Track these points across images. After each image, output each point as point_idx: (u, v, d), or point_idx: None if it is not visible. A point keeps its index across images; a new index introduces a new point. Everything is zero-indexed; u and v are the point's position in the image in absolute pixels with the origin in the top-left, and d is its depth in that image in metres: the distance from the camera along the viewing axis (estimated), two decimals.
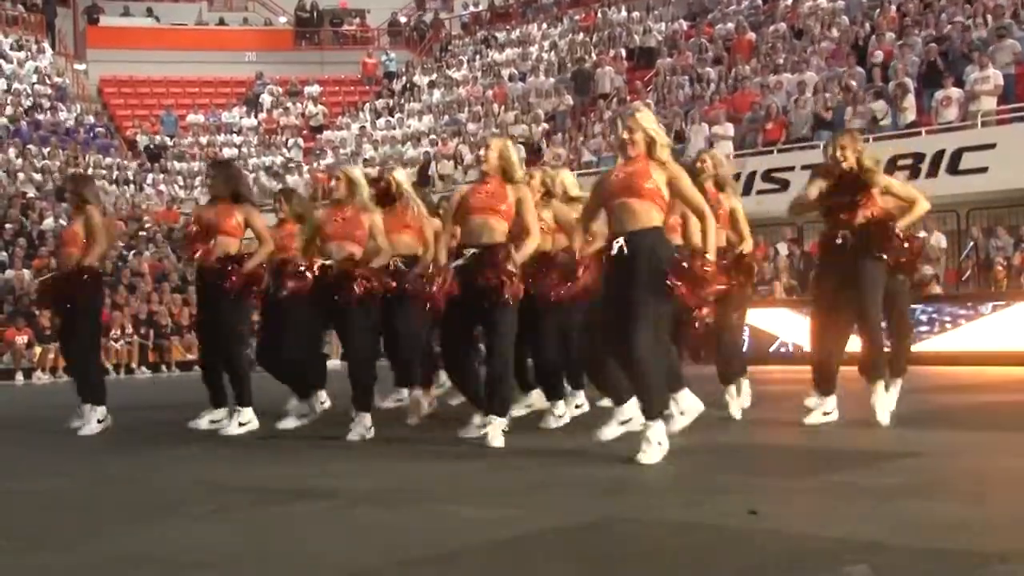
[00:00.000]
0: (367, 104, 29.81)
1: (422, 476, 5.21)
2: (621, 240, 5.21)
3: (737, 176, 18.06)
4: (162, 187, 26.46)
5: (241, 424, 7.03)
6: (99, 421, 7.33)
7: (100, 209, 7.64)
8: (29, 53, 29.73)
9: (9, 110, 26.40)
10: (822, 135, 18.08)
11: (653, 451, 5.07)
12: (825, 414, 6.60)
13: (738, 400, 7.08)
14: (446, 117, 26.64)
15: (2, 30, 29.93)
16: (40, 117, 26.92)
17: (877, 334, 6.45)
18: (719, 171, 6.88)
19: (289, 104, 30.91)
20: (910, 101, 17.38)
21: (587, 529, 3.77)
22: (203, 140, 29.23)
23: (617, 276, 5.25)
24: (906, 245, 6.50)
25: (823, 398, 6.64)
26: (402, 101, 29.00)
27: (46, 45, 30.80)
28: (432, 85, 29.03)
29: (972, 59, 17.19)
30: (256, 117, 30.42)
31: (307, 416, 7.43)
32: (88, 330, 7.55)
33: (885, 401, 6.48)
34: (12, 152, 24.44)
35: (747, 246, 6.99)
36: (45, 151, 25.18)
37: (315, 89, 31.39)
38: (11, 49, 29.32)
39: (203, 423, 7.31)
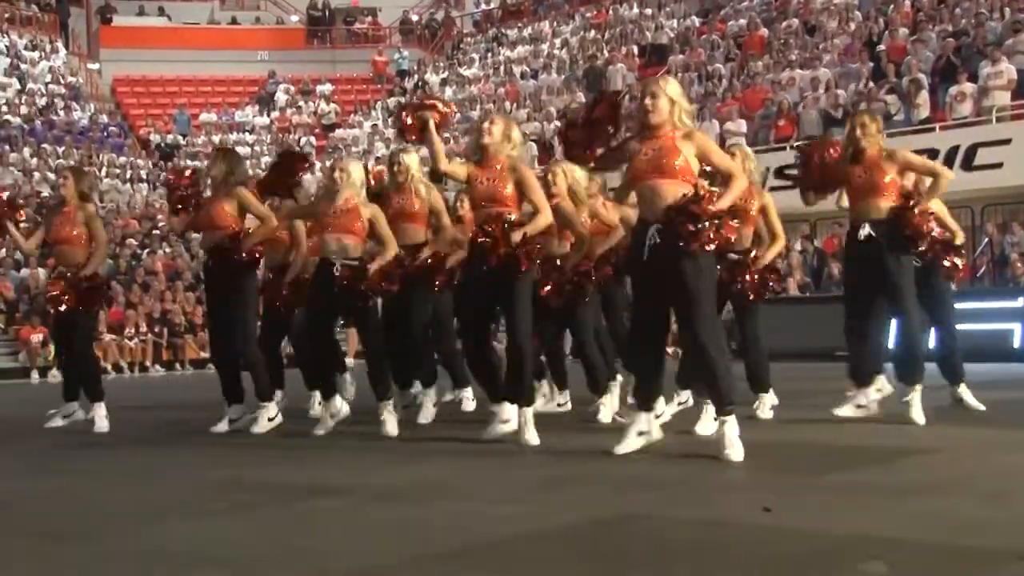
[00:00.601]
0: (379, 102, 29.86)
1: (437, 473, 5.22)
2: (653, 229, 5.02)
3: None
4: None
5: (270, 419, 6.99)
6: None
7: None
8: (43, 53, 29.87)
9: (24, 110, 26.53)
10: (834, 132, 18.05)
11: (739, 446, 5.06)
12: (858, 407, 6.56)
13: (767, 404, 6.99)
14: (458, 115, 26.64)
15: (16, 30, 30.06)
16: (54, 117, 27.05)
17: (916, 335, 6.38)
18: (747, 165, 6.43)
19: (301, 103, 30.98)
20: (924, 97, 17.29)
21: (602, 525, 3.77)
22: (216, 139, 29.26)
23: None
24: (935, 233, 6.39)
25: (858, 389, 6.59)
26: (414, 99, 28.99)
27: (60, 45, 30.94)
28: (444, 83, 29.04)
29: (987, 54, 17.10)
30: (269, 116, 30.49)
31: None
32: (87, 332, 7.58)
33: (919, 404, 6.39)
34: (27, 152, 24.56)
35: (780, 244, 6.82)
36: (59, 150, 25.29)
37: (327, 87, 31.44)
38: (25, 49, 29.47)
39: (223, 426, 7.11)
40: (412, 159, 7.21)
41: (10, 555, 3.63)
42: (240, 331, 7.01)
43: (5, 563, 3.50)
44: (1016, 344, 13.21)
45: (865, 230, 6.31)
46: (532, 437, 5.80)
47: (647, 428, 5.36)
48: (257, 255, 7.12)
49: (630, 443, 5.25)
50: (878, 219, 6.30)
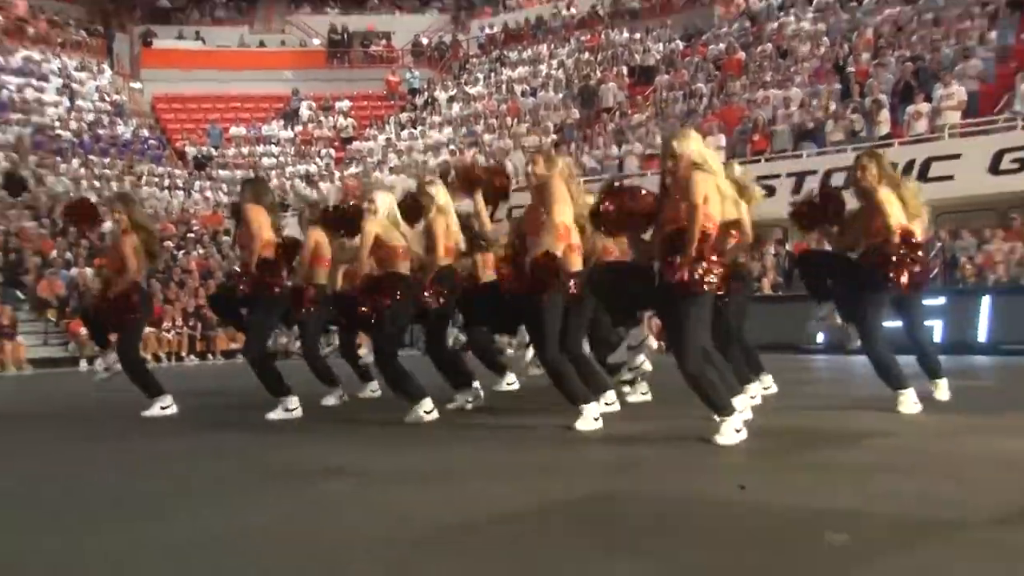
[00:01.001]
0: (392, 117, 29.81)
1: (445, 456, 5.20)
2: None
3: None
4: (208, 193, 26.53)
5: (287, 410, 6.99)
6: (163, 408, 7.36)
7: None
8: (91, 74, 29.89)
9: (74, 124, 26.53)
10: (804, 146, 18.07)
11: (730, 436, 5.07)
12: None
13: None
14: (464, 129, 26.64)
15: (67, 53, 30.08)
16: (100, 131, 27.03)
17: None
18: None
19: (322, 118, 30.95)
20: (884, 115, 17.34)
21: (596, 502, 3.79)
22: (244, 151, 29.30)
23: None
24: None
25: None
26: (424, 114, 29.01)
27: (106, 66, 30.94)
28: (451, 100, 29.02)
29: (940, 77, 17.18)
30: (292, 129, 30.46)
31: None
32: (124, 339, 7.38)
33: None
34: (76, 162, 24.55)
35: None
36: (105, 161, 25.30)
37: (345, 104, 31.41)
38: (75, 70, 29.50)
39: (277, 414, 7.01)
40: (439, 191, 7.00)
41: (37, 528, 3.65)
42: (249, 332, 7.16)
43: (33, 534, 3.51)
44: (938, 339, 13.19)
45: None
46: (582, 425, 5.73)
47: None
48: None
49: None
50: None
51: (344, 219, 7.27)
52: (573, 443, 5.37)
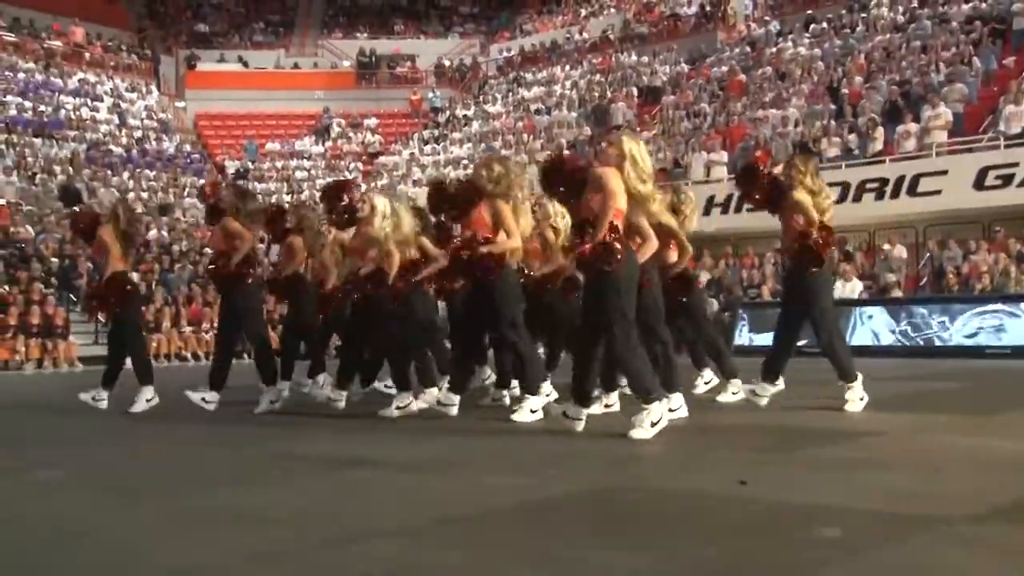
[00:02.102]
0: (416, 134, 29.89)
1: (458, 449, 5.18)
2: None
3: (729, 197, 18.02)
4: None
5: (271, 402, 7.07)
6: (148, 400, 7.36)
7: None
8: (139, 94, 30.15)
9: (123, 141, 26.77)
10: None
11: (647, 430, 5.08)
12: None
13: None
14: (483, 145, 26.66)
15: (119, 75, 30.38)
16: (147, 146, 27.25)
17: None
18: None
19: (351, 134, 31.05)
20: (879, 133, 17.25)
21: (599, 494, 3.75)
22: (279, 165, 29.43)
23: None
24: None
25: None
26: (446, 131, 29.05)
27: (153, 87, 31.20)
28: (471, 118, 29.06)
29: (927, 99, 17.10)
30: (323, 145, 30.58)
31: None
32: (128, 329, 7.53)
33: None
34: (125, 175, 24.75)
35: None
36: (151, 174, 25.47)
37: (373, 121, 31.52)
38: (125, 91, 29.77)
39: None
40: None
41: (92, 507, 3.68)
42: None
43: (91, 513, 3.54)
44: None
45: None
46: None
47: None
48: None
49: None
50: None
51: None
52: (576, 439, 5.31)
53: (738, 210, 16.29)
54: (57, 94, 27.21)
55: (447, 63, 34.34)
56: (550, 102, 27.33)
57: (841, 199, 16.74)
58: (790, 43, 23.21)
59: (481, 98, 30.69)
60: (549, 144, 24.13)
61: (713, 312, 15.90)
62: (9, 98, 25.68)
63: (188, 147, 29.14)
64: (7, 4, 29.74)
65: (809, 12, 24.84)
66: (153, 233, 21.45)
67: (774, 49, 23.38)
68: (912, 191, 16.05)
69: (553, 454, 4.82)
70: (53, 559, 2.95)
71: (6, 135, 23.65)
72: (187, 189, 25.29)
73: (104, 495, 4.00)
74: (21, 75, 27.36)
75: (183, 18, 35.58)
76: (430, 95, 32.43)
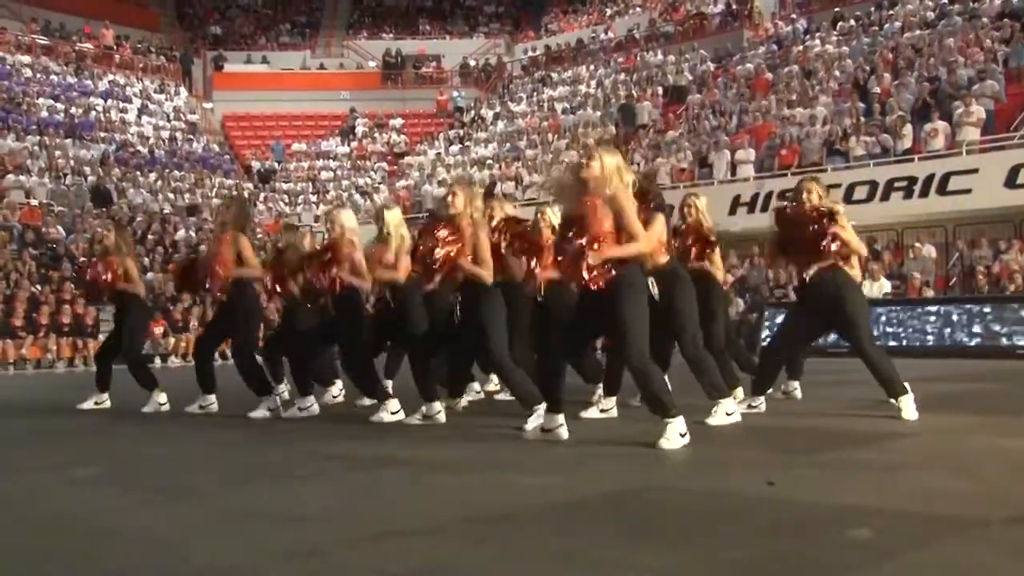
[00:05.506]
0: (441, 134, 29.95)
1: (487, 450, 5.16)
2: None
3: (755, 196, 17.91)
4: (271, 204, 26.87)
5: (270, 409, 6.93)
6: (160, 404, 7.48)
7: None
8: (168, 95, 30.46)
9: (152, 141, 27.04)
10: (833, 160, 17.81)
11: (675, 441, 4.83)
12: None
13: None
14: (508, 144, 26.67)
15: (148, 77, 30.70)
16: (176, 147, 27.51)
17: None
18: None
19: (376, 134, 31.18)
20: (908, 130, 17.08)
21: (628, 495, 3.73)
22: (305, 165, 29.61)
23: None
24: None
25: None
26: (471, 131, 29.08)
27: (182, 88, 31.51)
28: (496, 117, 29.07)
29: (958, 96, 16.90)
30: (349, 145, 30.72)
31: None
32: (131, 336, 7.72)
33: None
34: (153, 176, 25.00)
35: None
36: (179, 174, 25.71)
37: (398, 121, 31.63)
38: (154, 92, 30.09)
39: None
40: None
41: (129, 505, 3.71)
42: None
43: (127, 511, 3.57)
44: None
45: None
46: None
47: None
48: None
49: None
50: None
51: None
52: (604, 440, 5.28)
53: (764, 209, 16.18)
54: (88, 96, 27.55)
55: (472, 63, 34.40)
56: (575, 101, 27.29)
57: (869, 198, 16.60)
58: (817, 41, 23.03)
59: (506, 98, 30.69)
60: (574, 144, 24.09)
61: (739, 312, 15.81)
62: (41, 100, 26.03)
63: (215, 148, 29.40)
64: (39, 8, 30.15)
65: (836, 9, 24.62)
66: (181, 233, 21.68)
67: (801, 47, 23.20)
68: (942, 190, 15.87)
69: (585, 456, 4.79)
70: (90, 557, 2.99)
71: (38, 137, 23.97)
72: (215, 189, 25.52)
73: (140, 493, 4.03)
74: (53, 77, 27.73)
75: (211, 20, 35.91)
76: (455, 95, 32.49)
